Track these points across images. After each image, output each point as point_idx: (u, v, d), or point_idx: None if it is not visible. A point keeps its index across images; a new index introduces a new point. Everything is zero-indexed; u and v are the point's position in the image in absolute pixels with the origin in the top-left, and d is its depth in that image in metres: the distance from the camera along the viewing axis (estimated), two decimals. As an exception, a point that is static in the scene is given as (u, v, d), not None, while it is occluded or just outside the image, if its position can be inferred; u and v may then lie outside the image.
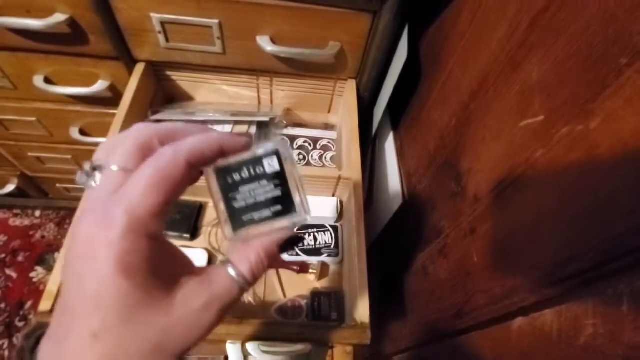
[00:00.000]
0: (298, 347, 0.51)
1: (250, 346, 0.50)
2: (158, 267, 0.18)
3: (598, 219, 0.26)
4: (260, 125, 0.71)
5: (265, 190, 0.22)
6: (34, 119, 0.78)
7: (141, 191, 0.17)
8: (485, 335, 0.38)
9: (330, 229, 0.64)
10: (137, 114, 0.63)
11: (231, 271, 0.20)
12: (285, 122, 0.72)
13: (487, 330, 0.37)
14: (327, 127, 0.75)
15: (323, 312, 0.56)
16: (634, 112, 0.24)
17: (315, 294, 0.57)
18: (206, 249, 0.61)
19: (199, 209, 0.65)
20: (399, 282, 0.66)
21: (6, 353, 1.05)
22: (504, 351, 0.34)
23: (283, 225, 0.22)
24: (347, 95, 0.69)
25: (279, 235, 0.22)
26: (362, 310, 0.48)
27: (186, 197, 0.65)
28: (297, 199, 0.22)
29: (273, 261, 0.22)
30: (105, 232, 0.17)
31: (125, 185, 0.18)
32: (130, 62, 0.64)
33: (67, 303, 0.18)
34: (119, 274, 0.17)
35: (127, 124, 0.59)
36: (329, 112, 0.77)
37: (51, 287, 0.44)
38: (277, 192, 0.22)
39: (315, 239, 0.62)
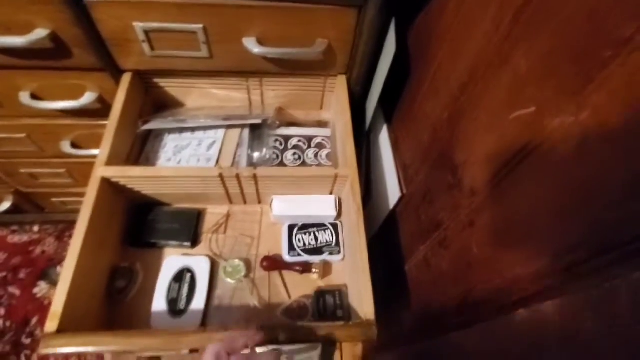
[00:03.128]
0: (306, 347, 0.51)
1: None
2: None
3: (589, 210, 0.26)
4: (254, 128, 0.70)
5: None
6: (23, 135, 0.77)
7: None
8: (487, 328, 0.38)
9: (330, 227, 0.64)
10: (128, 124, 0.62)
11: None
12: (278, 122, 0.71)
13: (489, 323, 0.38)
14: (321, 124, 0.75)
15: (328, 310, 0.56)
16: (620, 103, 0.24)
17: (319, 293, 0.58)
18: (208, 256, 0.61)
19: (198, 216, 0.65)
20: (402, 275, 0.67)
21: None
22: (506, 343, 0.35)
23: None
24: (338, 91, 0.69)
25: None
26: (367, 307, 0.49)
27: (184, 205, 0.65)
28: None
29: None
30: None
31: None
32: (117, 72, 0.63)
33: None
34: None
35: (118, 135, 0.59)
36: (321, 108, 0.77)
37: (56, 307, 0.44)
38: None
39: (316, 238, 0.63)
